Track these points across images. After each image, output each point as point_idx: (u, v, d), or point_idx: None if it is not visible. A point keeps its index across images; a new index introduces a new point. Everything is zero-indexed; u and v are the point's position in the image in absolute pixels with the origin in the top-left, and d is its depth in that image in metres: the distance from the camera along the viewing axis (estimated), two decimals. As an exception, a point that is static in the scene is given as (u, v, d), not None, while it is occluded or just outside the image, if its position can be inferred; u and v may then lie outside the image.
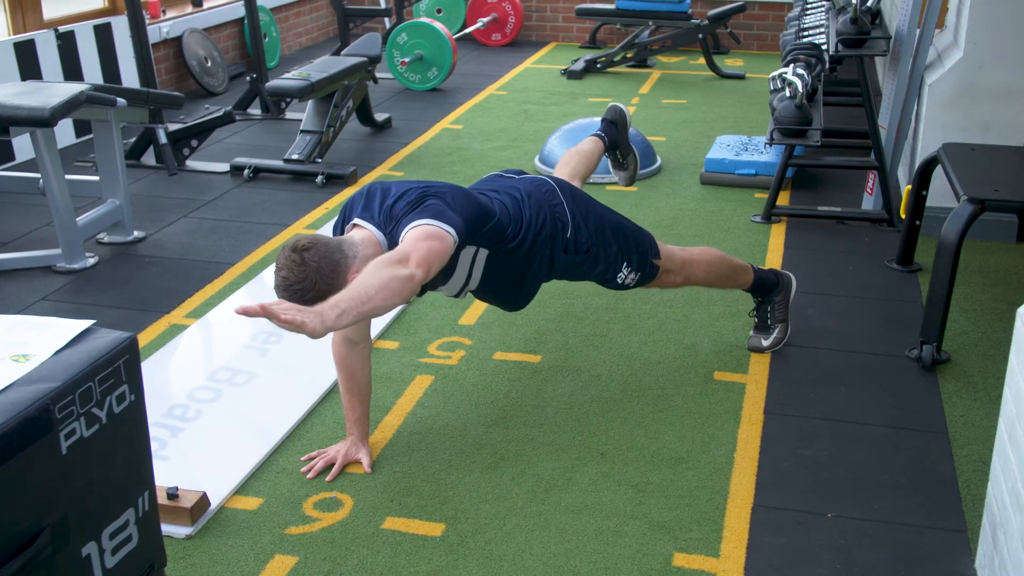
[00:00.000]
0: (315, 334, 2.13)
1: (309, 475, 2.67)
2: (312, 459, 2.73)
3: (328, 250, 2.35)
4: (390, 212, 2.51)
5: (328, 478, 2.66)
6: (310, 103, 5.31)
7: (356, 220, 2.53)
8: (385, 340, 3.41)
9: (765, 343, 3.31)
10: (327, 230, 4.29)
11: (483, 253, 2.64)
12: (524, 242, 2.69)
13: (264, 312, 2.07)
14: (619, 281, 2.95)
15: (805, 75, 4.13)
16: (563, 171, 3.23)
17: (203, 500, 2.51)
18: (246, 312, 2.06)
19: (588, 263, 2.87)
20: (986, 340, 3.36)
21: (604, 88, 7.00)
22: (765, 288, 3.29)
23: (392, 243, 2.47)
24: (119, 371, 1.69)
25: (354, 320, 2.22)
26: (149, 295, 3.79)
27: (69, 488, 1.61)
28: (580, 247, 2.82)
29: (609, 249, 2.87)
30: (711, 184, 4.94)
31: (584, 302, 3.64)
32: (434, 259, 2.38)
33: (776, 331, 3.31)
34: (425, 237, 2.39)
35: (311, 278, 2.30)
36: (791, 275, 3.39)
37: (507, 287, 2.81)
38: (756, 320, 3.35)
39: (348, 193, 4.89)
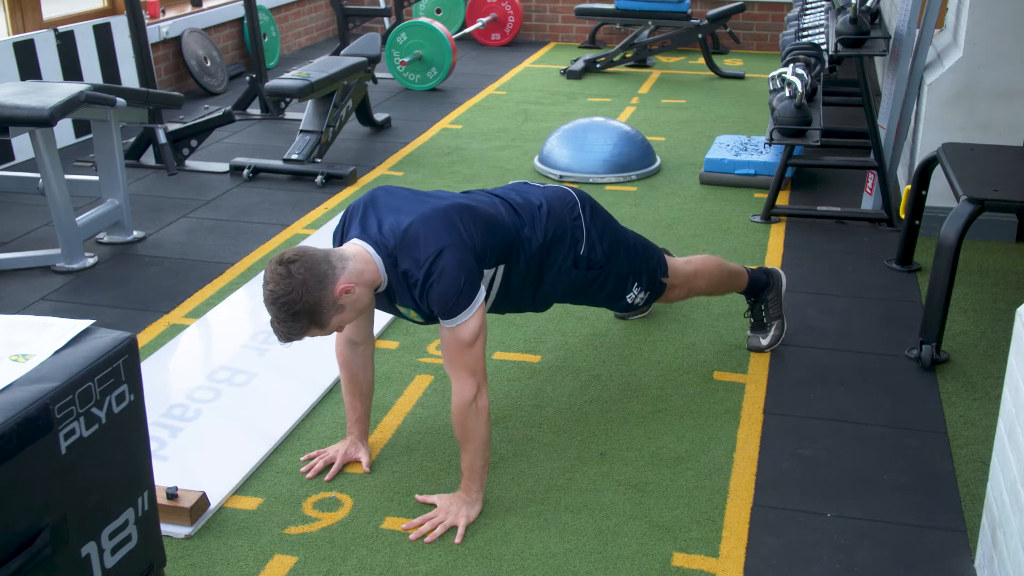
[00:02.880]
0: (475, 514, 2.49)
1: (308, 475, 2.67)
2: (311, 459, 2.73)
3: (314, 262, 2.31)
4: (398, 245, 2.41)
5: (327, 478, 2.66)
6: (309, 103, 5.31)
7: (354, 240, 2.47)
8: (385, 340, 3.41)
9: (764, 342, 3.31)
10: (326, 230, 4.31)
11: (500, 269, 2.61)
12: (539, 250, 2.66)
13: (419, 536, 2.44)
14: (628, 300, 2.95)
15: (804, 75, 4.13)
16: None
17: (202, 500, 2.51)
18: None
19: (598, 282, 2.86)
20: (985, 340, 3.36)
21: (604, 88, 7.00)
22: (758, 289, 3.30)
23: (395, 263, 2.42)
24: (118, 371, 1.69)
25: (486, 471, 2.53)
26: (148, 295, 3.79)
27: (69, 488, 1.61)
28: (593, 264, 2.80)
29: (620, 270, 2.86)
30: (710, 184, 4.94)
31: (583, 302, 3.64)
32: (483, 351, 2.46)
33: (773, 328, 3.31)
34: (467, 346, 2.42)
35: (297, 290, 2.28)
36: (780, 271, 3.40)
37: (522, 298, 2.77)
38: (752, 320, 3.35)
39: (348, 193, 4.89)
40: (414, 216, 2.44)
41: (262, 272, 3.90)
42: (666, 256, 3.09)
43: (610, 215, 2.93)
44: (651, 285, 2.97)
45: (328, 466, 2.69)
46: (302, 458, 2.76)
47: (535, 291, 2.76)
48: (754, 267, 3.37)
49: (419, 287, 2.39)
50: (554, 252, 2.71)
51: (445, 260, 2.36)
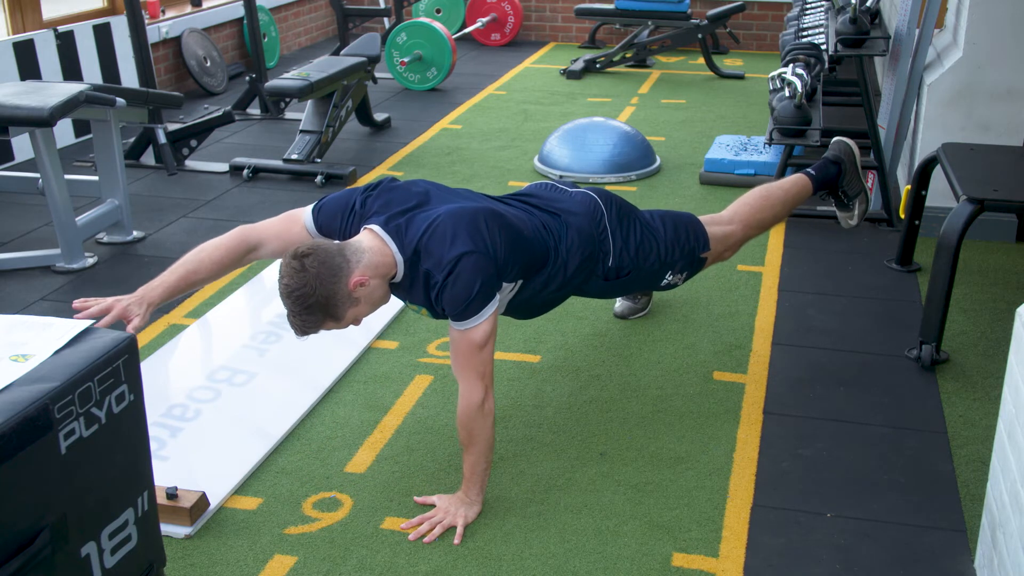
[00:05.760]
0: (474, 515, 2.47)
1: (79, 315, 2.33)
2: (87, 302, 2.41)
3: (328, 255, 2.32)
4: (423, 241, 2.39)
5: (99, 323, 2.18)
6: (309, 103, 5.31)
7: (374, 228, 2.45)
8: (384, 340, 3.41)
9: (853, 222, 3.35)
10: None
11: (519, 284, 2.60)
12: (562, 270, 2.66)
13: (418, 536, 2.42)
14: (663, 285, 2.95)
15: (804, 75, 4.13)
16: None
17: (202, 500, 2.51)
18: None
19: (626, 287, 2.86)
20: (985, 340, 3.36)
21: (603, 88, 7.00)
22: (830, 182, 3.26)
23: (417, 261, 2.41)
24: (118, 371, 1.69)
25: (487, 474, 2.51)
26: (148, 295, 3.79)
27: (68, 488, 1.61)
28: (621, 272, 2.79)
29: (651, 268, 2.84)
30: (710, 184, 4.94)
31: (584, 302, 3.63)
32: (492, 355, 2.45)
33: (857, 204, 3.31)
34: (478, 349, 2.40)
35: (311, 284, 2.29)
36: (846, 144, 3.30)
37: (539, 308, 2.78)
38: (832, 201, 3.34)
39: (347, 193, 4.88)
40: (442, 212, 2.43)
41: (262, 272, 3.93)
42: (706, 223, 2.97)
43: (633, 208, 2.88)
44: (688, 266, 2.93)
45: (103, 316, 2.40)
46: (75, 303, 2.41)
47: (553, 302, 2.77)
48: (816, 165, 3.29)
49: (436, 288, 2.39)
50: (580, 272, 2.70)
51: (464, 264, 2.36)
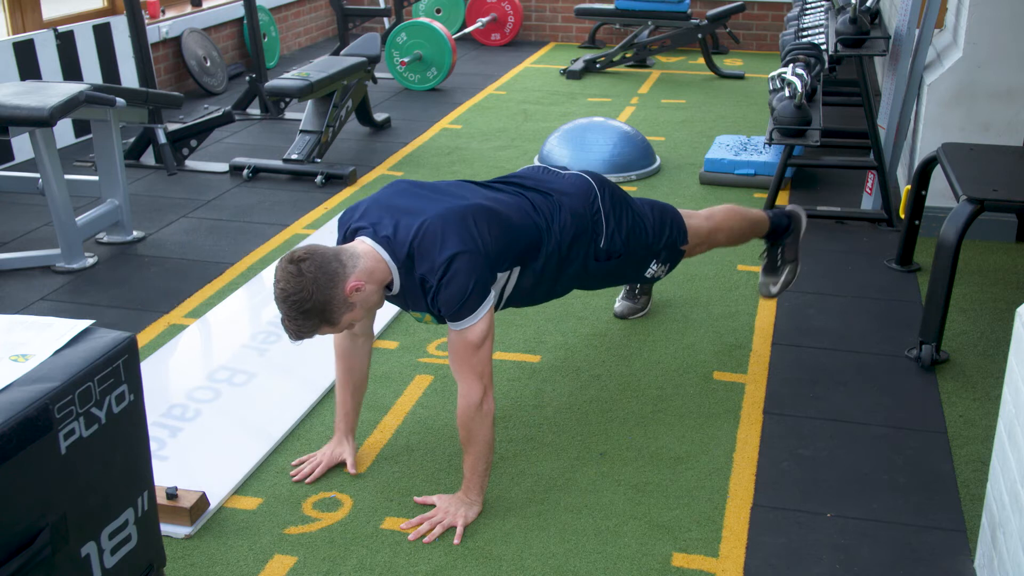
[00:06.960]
0: (474, 515, 2.49)
1: (295, 479, 2.67)
2: (301, 463, 2.73)
3: (325, 260, 2.32)
4: (414, 246, 2.40)
5: (309, 480, 2.66)
6: (309, 103, 5.31)
7: (363, 239, 2.45)
8: (384, 340, 3.41)
9: (774, 289, 3.33)
10: (327, 230, 4.31)
11: (516, 271, 2.60)
12: (557, 251, 2.66)
13: (418, 536, 2.44)
14: (647, 276, 2.97)
15: (804, 75, 4.13)
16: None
17: (202, 500, 2.51)
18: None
19: (617, 271, 2.87)
20: (985, 340, 3.36)
21: (603, 88, 7.00)
22: (778, 233, 3.29)
23: (411, 267, 2.42)
24: (118, 371, 1.69)
25: (487, 474, 2.53)
26: (148, 295, 3.79)
27: (68, 488, 1.61)
28: (612, 254, 2.80)
29: (639, 253, 2.87)
30: (710, 184, 4.94)
31: (584, 302, 3.64)
32: (490, 354, 2.45)
33: (785, 272, 3.31)
34: (475, 349, 2.41)
35: (308, 288, 2.28)
36: (801, 212, 3.35)
37: (535, 294, 2.77)
38: (765, 262, 3.35)
39: (347, 193, 4.89)
40: (430, 215, 2.43)
41: (262, 272, 3.93)
42: (684, 217, 3.02)
43: (625, 194, 2.90)
44: (670, 257, 2.97)
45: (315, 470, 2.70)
46: (293, 463, 2.74)
47: (551, 288, 2.77)
48: (774, 209, 3.33)
49: (432, 291, 2.40)
50: (574, 250, 2.70)
51: (457, 265, 2.36)
